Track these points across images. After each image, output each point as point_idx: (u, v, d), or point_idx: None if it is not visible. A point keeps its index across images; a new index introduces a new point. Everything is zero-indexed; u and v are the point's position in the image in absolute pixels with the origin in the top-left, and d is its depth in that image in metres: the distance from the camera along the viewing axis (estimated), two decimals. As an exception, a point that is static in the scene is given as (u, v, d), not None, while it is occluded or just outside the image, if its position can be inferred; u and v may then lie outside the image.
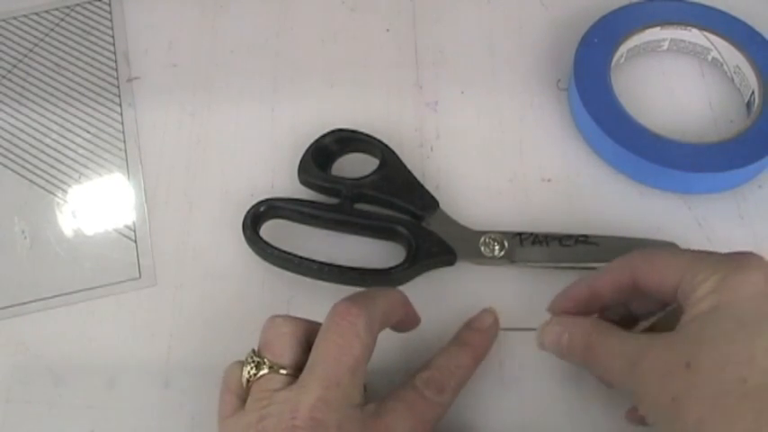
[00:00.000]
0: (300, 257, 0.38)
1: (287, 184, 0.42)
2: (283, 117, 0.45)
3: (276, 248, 0.38)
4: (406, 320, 0.35)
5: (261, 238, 0.38)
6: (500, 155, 0.43)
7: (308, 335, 0.31)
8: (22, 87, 0.46)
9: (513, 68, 0.46)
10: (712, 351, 0.27)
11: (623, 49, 0.44)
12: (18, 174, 0.44)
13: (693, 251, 0.32)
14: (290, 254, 0.38)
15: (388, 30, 0.48)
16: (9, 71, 0.47)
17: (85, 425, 0.36)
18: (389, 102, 0.45)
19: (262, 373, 0.30)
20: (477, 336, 0.35)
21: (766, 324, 0.27)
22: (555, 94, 0.45)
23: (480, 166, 0.42)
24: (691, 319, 0.28)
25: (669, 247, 0.38)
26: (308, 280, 0.39)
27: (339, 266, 0.38)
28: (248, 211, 0.39)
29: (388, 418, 0.30)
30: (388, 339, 0.35)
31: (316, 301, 0.39)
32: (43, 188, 0.43)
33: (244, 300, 0.39)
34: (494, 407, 0.36)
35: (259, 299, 0.39)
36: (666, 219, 0.40)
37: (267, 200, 0.39)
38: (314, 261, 0.38)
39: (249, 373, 0.31)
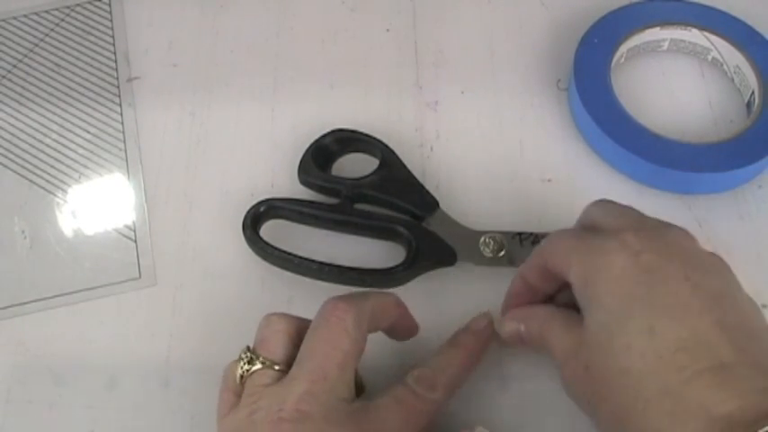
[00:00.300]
0: (300, 257, 0.38)
1: (287, 184, 0.42)
2: (283, 117, 0.45)
3: (276, 248, 0.38)
4: (402, 325, 0.35)
5: (261, 238, 0.38)
6: (500, 155, 0.43)
7: (302, 332, 0.32)
8: (22, 87, 0.46)
9: (513, 68, 0.46)
10: (597, 350, 0.28)
11: (623, 49, 0.44)
12: (18, 174, 0.44)
13: (577, 232, 0.33)
14: (290, 254, 0.38)
15: (388, 30, 0.48)
16: (9, 71, 0.47)
17: (85, 425, 0.36)
18: (389, 102, 0.45)
19: (255, 368, 0.31)
20: (471, 337, 0.35)
21: (630, 305, 0.28)
22: (555, 94, 0.45)
23: (480, 166, 0.42)
24: (581, 315, 0.30)
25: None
26: (307, 280, 0.39)
27: (339, 266, 0.38)
28: (248, 211, 0.39)
29: (377, 413, 0.30)
30: (388, 342, 0.35)
31: (316, 301, 0.39)
32: (43, 188, 0.43)
33: (244, 300, 0.39)
34: (494, 407, 0.36)
35: (259, 299, 0.39)
36: (666, 219, 0.40)
37: (267, 200, 0.39)
38: (314, 261, 0.38)
39: (242, 369, 0.31)
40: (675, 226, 0.31)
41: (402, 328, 0.35)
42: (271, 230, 0.39)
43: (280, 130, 0.44)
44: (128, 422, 0.36)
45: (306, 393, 0.29)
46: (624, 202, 0.41)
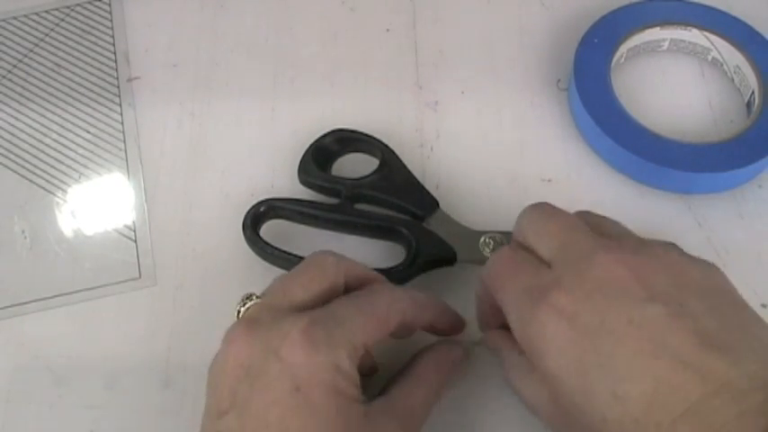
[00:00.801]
0: (300, 257, 0.38)
1: (287, 184, 0.42)
2: (283, 117, 0.45)
3: (276, 248, 0.38)
4: (439, 323, 0.35)
5: (261, 238, 0.38)
6: (500, 155, 0.43)
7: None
8: (22, 87, 0.46)
9: (513, 68, 0.46)
10: (574, 421, 0.27)
11: (623, 49, 0.44)
12: (18, 174, 0.44)
13: (511, 264, 0.31)
14: (290, 254, 0.38)
15: (388, 30, 0.48)
16: (9, 71, 0.47)
17: (85, 425, 0.36)
18: (389, 102, 0.45)
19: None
20: (435, 371, 0.34)
21: (585, 376, 0.26)
22: (555, 94, 0.45)
23: (480, 166, 0.42)
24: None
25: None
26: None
27: None
28: (248, 212, 0.39)
29: (330, 306, 0.30)
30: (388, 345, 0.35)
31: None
32: (43, 188, 0.43)
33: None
34: (494, 407, 0.36)
35: (259, 299, 0.39)
36: (666, 219, 0.40)
37: (267, 200, 0.39)
38: None
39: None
40: (605, 243, 0.29)
41: (441, 325, 0.35)
42: (271, 230, 0.39)
43: (280, 130, 0.44)
44: (128, 422, 0.36)
45: (260, 305, 0.30)
46: (624, 202, 0.41)
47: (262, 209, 0.39)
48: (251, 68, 0.47)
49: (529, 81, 0.45)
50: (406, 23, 0.48)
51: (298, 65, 0.47)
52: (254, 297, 0.31)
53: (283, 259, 0.38)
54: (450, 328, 0.35)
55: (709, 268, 0.28)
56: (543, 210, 0.33)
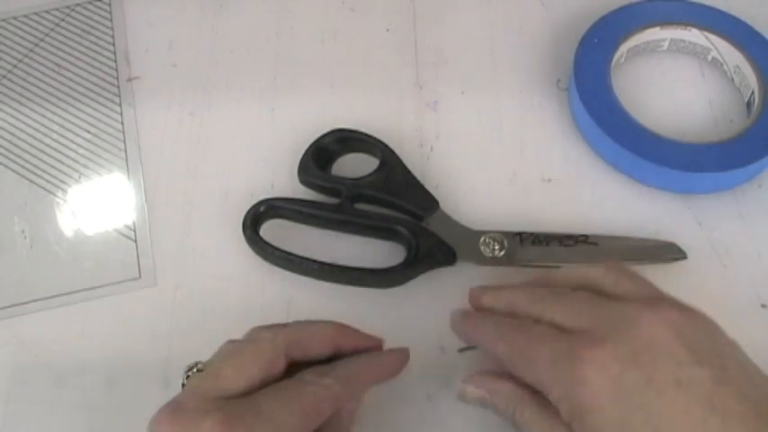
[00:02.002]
0: (300, 257, 0.38)
1: (287, 184, 0.42)
2: (283, 117, 0.45)
3: (276, 248, 0.38)
4: (356, 348, 0.33)
5: (261, 238, 0.38)
6: (500, 155, 0.43)
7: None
8: (22, 87, 0.46)
9: (513, 68, 0.46)
10: None
11: (623, 48, 0.44)
12: (18, 174, 0.44)
13: (544, 340, 0.30)
14: (290, 254, 0.38)
15: (388, 30, 0.48)
16: (9, 71, 0.47)
17: (85, 425, 0.36)
18: (389, 102, 0.45)
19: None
20: (386, 353, 0.34)
21: (618, 420, 0.27)
22: (555, 94, 0.45)
23: (480, 166, 0.42)
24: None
25: (670, 246, 0.38)
26: (308, 280, 0.39)
27: (339, 266, 0.38)
28: (248, 211, 0.39)
29: (254, 398, 0.29)
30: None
31: (316, 301, 0.39)
32: (43, 188, 0.43)
33: (244, 300, 0.39)
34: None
35: (259, 299, 0.39)
36: (666, 219, 0.40)
37: (267, 200, 0.39)
38: (314, 261, 0.38)
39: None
40: (649, 302, 0.29)
41: (359, 352, 0.33)
42: (271, 230, 0.39)
43: (280, 130, 0.44)
44: (128, 422, 0.36)
45: (190, 390, 0.29)
46: (624, 202, 0.41)
47: (262, 209, 0.39)
48: (251, 68, 0.47)
49: (529, 81, 0.45)
50: (406, 23, 0.48)
51: (298, 65, 0.47)
52: (196, 368, 0.30)
53: (283, 259, 0.38)
54: (394, 373, 0.34)
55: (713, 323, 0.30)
56: (553, 280, 0.33)
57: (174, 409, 0.28)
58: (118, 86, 0.46)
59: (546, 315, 0.31)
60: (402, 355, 0.34)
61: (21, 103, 0.46)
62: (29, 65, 0.47)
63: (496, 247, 0.38)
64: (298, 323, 0.33)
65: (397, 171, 0.40)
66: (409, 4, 0.49)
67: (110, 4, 0.49)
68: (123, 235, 0.41)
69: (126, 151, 0.44)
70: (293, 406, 0.29)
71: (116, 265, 0.40)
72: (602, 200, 0.41)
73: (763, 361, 0.37)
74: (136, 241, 0.41)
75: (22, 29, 0.49)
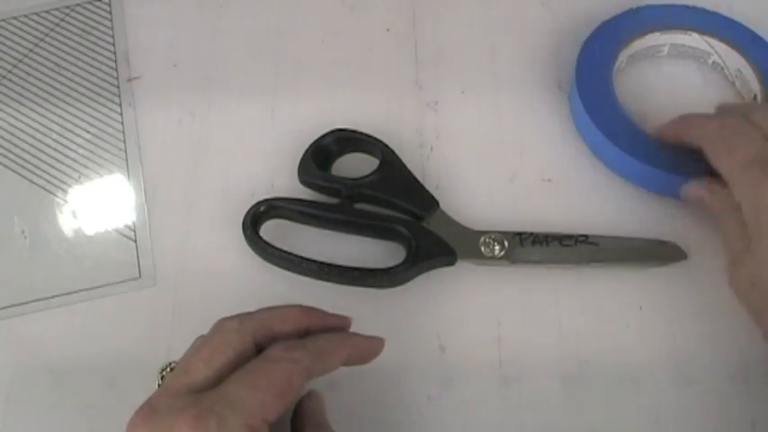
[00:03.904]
0: (300, 257, 0.38)
1: (287, 184, 0.42)
2: (283, 117, 0.45)
3: (276, 248, 0.38)
4: (324, 327, 0.33)
5: (261, 238, 0.38)
6: (500, 155, 0.43)
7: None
8: (22, 87, 0.46)
9: (513, 69, 0.46)
10: (765, 278, 0.32)
11: (624, 54, 0.44)
12: (18, 174, 0.44)
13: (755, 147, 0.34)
14: (290, 254, 0.38)
15: (388, 30, 0.48)
16: (9, 71, 0.47)
17: (85, 425, 0.36)
18: (389, 102, 0.45)
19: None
20: (360, 336, 0.33)
21: None
22: (555, 95, 0.45)
23: (480, 166, 0.42)
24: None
25: (670, 246, 0.38)
26: (308, 280, 0.39)
27: (339, 266, 0.38)
28: (248, 211, 0.39)
29: (223, 387, 0.29)
30: (388, 345, 0.35)
31: (316, 301, 0.39)
32: (43, 188, 0.43)
33: (244, 300, 0.39)
34: (494, 407, 0.36)
35: (259, 299, 0.39)
36: (666, 219, 0.40)
37: (267, 200, 0.39)
38: (314, 261, 0.38)
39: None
40: None
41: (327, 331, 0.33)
42: (271, 230, 0.39)
43: (280, 130, 0.44)
44: (127, 422, 0.36)
45: (162, 389, 0.29)
46: (624, 202, 0.41)
47: (262, 208, 0.39)
48: (251, 68, 0.47)
49: (529, 81, 0.45)
50: (406, 23, 0.48)
51: (298, 65, 0.47)
52: (169, 367, 0.31)
53: (283, 259, 0.38)
54: (366, 356, 0.33)
55: None
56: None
57: (147, 410, 0.29)
58: (118, 86, 0.46)
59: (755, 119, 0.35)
60: (375, 341, 0.34)
61: (21, 103, 0.46)
62: (29, 65, 0.47)
63: (496, 247, 0.38)
64: (263, 309, 0.33)
65: (397, 171, 0.40)
66: (409, 4, 0.49)
67: (110, 4, 0.49)
68: (123, 235, 0.41)
69: (126, 151, 0.44)
70: (263, 386, 0.29)
71: (116, 265, 0.40)
72: (602, 200, 0.41)
73: (764, 361, 0.37)
74: (136, 241, 0.41)
75: (22, 29, 0.49)
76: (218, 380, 0.29)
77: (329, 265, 0.38)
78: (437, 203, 0.39)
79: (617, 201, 0.41)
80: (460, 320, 0.38)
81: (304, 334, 0.32)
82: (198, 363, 0.30)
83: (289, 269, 0.39)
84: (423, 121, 0.44)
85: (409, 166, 0.41)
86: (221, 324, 0.32)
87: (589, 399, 0.36)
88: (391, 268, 0.38)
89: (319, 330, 0.33)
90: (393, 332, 0.36)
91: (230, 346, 0.30)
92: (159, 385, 0.31)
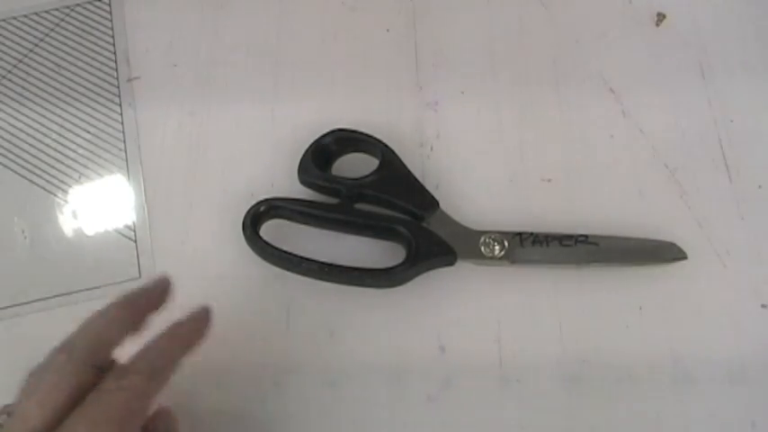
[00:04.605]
0: (300, 257, 0.38)
1: (287, 184, 0.42)
2: (283, 117, 0.45)
3: (276, 248, 0.38)
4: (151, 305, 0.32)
5: (261, 238, 0.38)
6: (500, 155, 0.43)
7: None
8: (22, 87, 0.46)
9: (513, 68, 0.46)
10: None
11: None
12: (18, 174, 0.44)
13: None
14: (290, 254, 0.38)
15: (388, 30, 0.48)
16: (9, 71, 0.47)
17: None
18: (389, 102, 0.45)
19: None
20: (186, 323, 0.33)
21: None
22: (555, 94, 0.45)
23: (480, 166, 0.42)
24: None
25: (670, 246, 0.38)
26: (308, 280, 0.39)
27: (339, 266, 0.38)
28: (248, 211, 0.39)
29: (63, 429, 0.27)
30: (388, 345, 0.35)
31: (316, 301, 0.39)
32: (43, 188, 0.43)
33: (244, 300, 0.39)
34: (494, 407, 0.36)
35: (259, 299, 0.39)
36: (666, 219, 0.40)
37: (267, 200, 0.39)
38: (314, 261, 0.38)
39: None
40: None
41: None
42: (271, 230, 0.39)
43: (280, 130, 0.44)
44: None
45: None
46: (624, 202, 0.41)
47: (262, 208, 0.39)
48: (251, 68, 0.47)
49: (529, 81, 0.45)
50: (406, 23, 0.48)
51: (298, 65, 0.47)
52: (6, 412, 0.29)
53: (283, 259, 0.38)
54: (200, 337, 0.33)
55: None
56: None
57: None
58: (118, 86, 0.46)
59: None
60: (202, 314, 0.33)
61: (20, 103, 0.46)
62: (29, 65, 0.47)
63: (496, 247, 0.38)
64: (86, 323, 0.31)
65: (397, 171, 0.40)
66: (409, 4, 0.49)
67: (110, 4, 0.49)
68: (123, 235, 0.41)
69: (126, 151, 0.44)
70: (102, 421, 0.28)
71: (116, 265, 0.41)
72: (602, 201, 0.41)
73: (764, 361, 0.37)
74: (136, 241, 0.41)
75: (21, 29, 0.49)
76: (59, 420, 0.28)
77: (329, 265, 0.38)
78: (437, 203, 0.39)
79: (617, 202, 0.41)
80: (460, 320, 0.38)
81: (140, 326, 0.31)
82: (34, 408, 0.28)
83: (289, 269, 0.39)
84: (423, 121, 0.44)
85: (409, 166, 0.41)
86: (51, 359, 0.30)
87: (589, 399, 0.36)
88: (391, 268, 0.38)
89: (149, 311, 0.32)
90: (393, 332, 0.36)
91: (64, 381, 0.29)
92: None
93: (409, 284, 0.38)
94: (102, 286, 0.40)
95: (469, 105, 0.45)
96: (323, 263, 0.38)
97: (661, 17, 0.46)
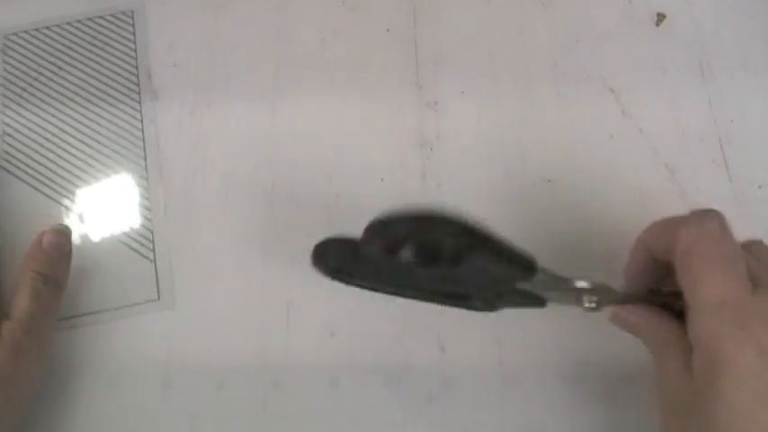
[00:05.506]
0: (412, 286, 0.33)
1: (286, 185, 0.42)
2: (283, 117, 0.45)
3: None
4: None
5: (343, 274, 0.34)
6: (500, 155, 0.43)
7: None
8: (41, 99, 0.46)
9: (513, 68, 0.46)
10: None
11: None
12: (33, 187, 0.43)
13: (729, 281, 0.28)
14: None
15: (388, 30, 0.48)
16: (35, 79, 0.46)
17: (86, 425, 0.36)
18: (389, 101, 0.45)
19: None
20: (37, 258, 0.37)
21: (757, 407, 0.26)
22: (554, 94, 0.45)
23: (480, 166, 0.42)
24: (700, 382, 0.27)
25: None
26: (308, 280, 0.39)
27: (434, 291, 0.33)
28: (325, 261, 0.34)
29: None
30: (388, 345, 0.35)
31: (316, 301, 0.39)
32: (58, 201, 0.43)
33: (244, 299, 0.39)
34: (494, 407, 0.36)
35: (259, 299, 0.39)
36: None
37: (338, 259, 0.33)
38: (411, 289, 0.34)
39: None
40: None
41: None
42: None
43: (280, 130, 0.44)
44: (128, 422, 0.36)
45: None
46: (625, 202, 0.41)
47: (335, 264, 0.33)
48: (251, 68, 0.47)
49: (529, 81, 0.45)
50: (406, 23, 0.48)
51: (298, 65, 0.47)
52: None
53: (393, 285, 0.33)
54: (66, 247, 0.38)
55: None
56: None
57: None
58: (139, 93, 0.46)
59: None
60: (55, 231, 0.38)
61: (35, 113, 0.45)
62: (54, 72, 0.46)
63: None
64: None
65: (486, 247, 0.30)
66: (409, 4, 0.49)
67: (132, 17, 0.49)
68: (141, 254, 0.41)
69: (147, 169, 0.43)
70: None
71: (134, 286, 0.40)
72: (602, 201, 0.41)
73: (763, 361, 0.37)
74: (155, 261, 0.40)
75: (43, 40, 0.48)
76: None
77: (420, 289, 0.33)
78: (534, 265, 0.31)
79: (617, 202, 0.41)
80: (460, 320, 0.38)
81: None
82: None
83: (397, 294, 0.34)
84: (423, 121, 0.44)
85: (409, 166, 0.40)
86: None
87: (589, 399, 0.36)
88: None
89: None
90: (393, 332, 0.36)
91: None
92: None
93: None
94: (121, 308, 0.39)
95: (469, 105, 0.45)
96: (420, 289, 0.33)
97: (661, 17, 0.46)
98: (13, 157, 0.44)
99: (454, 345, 0.37)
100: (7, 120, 0.45)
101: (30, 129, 0.45)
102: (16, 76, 0.46)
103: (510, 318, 0.38)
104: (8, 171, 0.44)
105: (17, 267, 0.36)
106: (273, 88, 0.46)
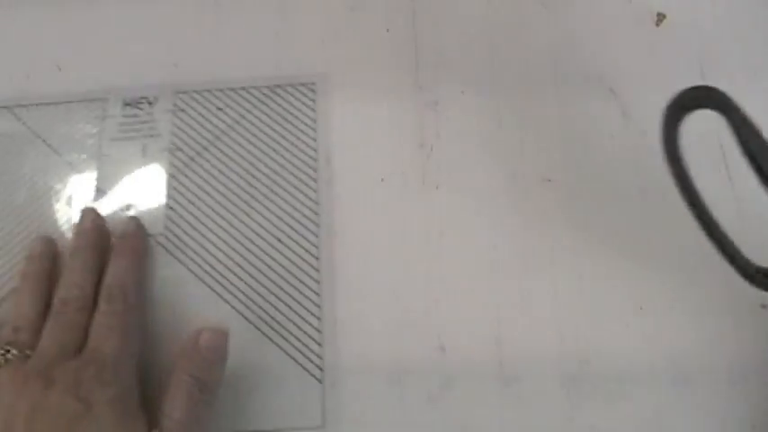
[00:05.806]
0: None
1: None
2: (283, 117, 0.45)
3: None
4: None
5: None
6: (500, 155, 0.43)
7: None
8: (220, 160, 0.42)
9: (513, 68, 0.46)
10: None
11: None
12: (194, 274, 0.39)
13: None
14: None
15: (388, 30, 0.48)
16: (209, 145, 0.42)
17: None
18: (389, 102, 0.45)
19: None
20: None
21: None
22: (554, 94, 0.45)
23: (480, 167, 0.42)
24: None
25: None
26: (308, 279, 0.39)
27: None
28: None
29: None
30: (388, 345, 0.35)
31: (315, 301, 0.39)
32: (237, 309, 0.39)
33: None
34: (494, 407, 0.36)
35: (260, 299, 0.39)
36: (667, 218, 0.40)
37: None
38: None
39: None
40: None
41: None
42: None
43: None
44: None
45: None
46: (626, 205, 0.41)
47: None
48: (250, 68, 0.47)
49: (529, 81, 0.45)
50: (406, 23, 0.48)
51: (298, 65, 0.47)
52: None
53: None
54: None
55: None
56: None
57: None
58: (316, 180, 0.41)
59: None
60: (214, 331, 0.34)
61: (200, 186, 0.41)
62: (230, 137, 0.43)
63: None
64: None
65: None
66: (409, 4, 0.49)
67: (314, 90, 0.46)
68: (308, 371, 0.37)
69: (320, 271, 0.39)
70: (114, 339, 0.33)
71: (295, 407, 0.36)
72: (603, 200, 0.41)
73: (763, 361, 0.37)
74: (322, 381, 0.37)
75: (228, 101, 0.44)
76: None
77: None
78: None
79: (617, 202, 0.41)
80: (460, 320, 0.38)
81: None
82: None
83: None
84: (423, 121, 0.44)
85: (409, 166, 0.40)
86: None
87: (589, 399, 0.36)
88: None
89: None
90: (393, 332, 0.36)
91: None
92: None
93: (409, 284, 0.38)
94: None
95: (469, 105, 0.45)
96: None
97: (661, 17, 0.46)
98: (174, 234, 0.40)
99: (454, 345, 0.37)
100: (171, 191, 0.41)
101: (192, 203, 0.41)
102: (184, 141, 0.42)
103: (510, 318, 0.38)
104: (167, 250, 0.39)
105: (169, 363, 0.33)
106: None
